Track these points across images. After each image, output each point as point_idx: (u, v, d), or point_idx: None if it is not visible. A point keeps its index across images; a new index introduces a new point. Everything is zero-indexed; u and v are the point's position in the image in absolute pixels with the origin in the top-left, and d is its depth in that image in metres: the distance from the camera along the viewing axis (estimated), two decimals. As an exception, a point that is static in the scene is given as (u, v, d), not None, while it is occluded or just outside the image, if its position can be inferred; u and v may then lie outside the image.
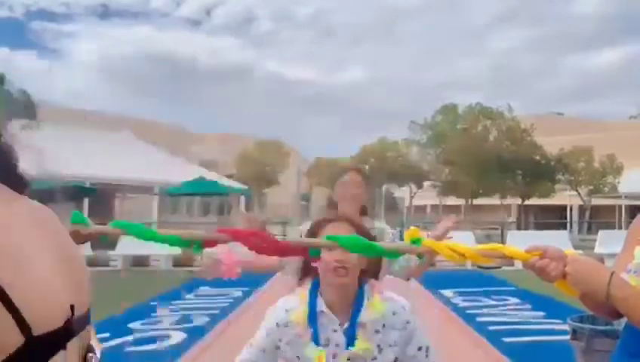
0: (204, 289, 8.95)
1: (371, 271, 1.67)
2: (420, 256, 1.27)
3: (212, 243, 1.34)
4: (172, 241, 1.31)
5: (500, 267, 11.69)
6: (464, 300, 7.94)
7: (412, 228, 1.21)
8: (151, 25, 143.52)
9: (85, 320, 0.70)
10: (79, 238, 1.40)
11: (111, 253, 12.69)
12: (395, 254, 1.21)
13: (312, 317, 1.56)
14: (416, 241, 1.19)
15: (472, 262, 1.20)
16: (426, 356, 1.67)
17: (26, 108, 14.32)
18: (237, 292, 8.45)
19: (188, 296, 8.37)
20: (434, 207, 45.93)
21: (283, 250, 1.25)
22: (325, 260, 1.46)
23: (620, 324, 2.82)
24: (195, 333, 5.66)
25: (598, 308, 1.31)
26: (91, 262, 12.61)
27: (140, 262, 12.93)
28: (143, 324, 6.10)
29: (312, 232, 1.72)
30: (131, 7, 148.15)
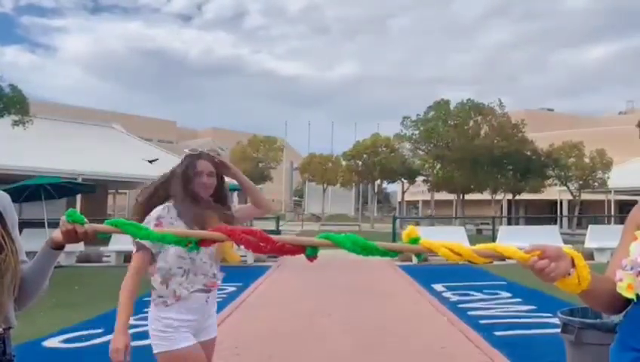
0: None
1: None
2: (418, 255, 1.27)
3: (208, 241, 1.35)
4: (168, 240, 1.32)
5: (491, 261, 11.78)
6: (455, 294, 8.00)
7: (410, 226, 1.21)
8: (141, 20, 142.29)
9: None
10: (75, 238, 1.40)
11: (104, 248, 12.63)
12: (393, 254, 1.22)
13: None
14: (414, 241, 1.19)
15: (469, 261, 1.20)
16: None
17: (17, 104, 14.16)
18: (230, 288, 8.46)
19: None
20: (426, 202, 46.10)
21: (279, 248, 1.26)
22: None
23: (608, 318, 2.86)
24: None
25: (599, 304, 1.32)
26: (85, 259, 12.55)
27: (132, 258, 12.88)
28: (136, 320, 6.10)
29: None
30: (122, 1, 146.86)
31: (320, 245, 1.25)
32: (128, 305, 2.32)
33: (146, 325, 6.14)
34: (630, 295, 1.23)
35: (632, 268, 1.22)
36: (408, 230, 1.20)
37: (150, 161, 21.42)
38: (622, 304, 1.29)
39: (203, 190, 2.27)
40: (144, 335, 5.59)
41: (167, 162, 27.37)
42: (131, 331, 6.25)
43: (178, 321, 2.24)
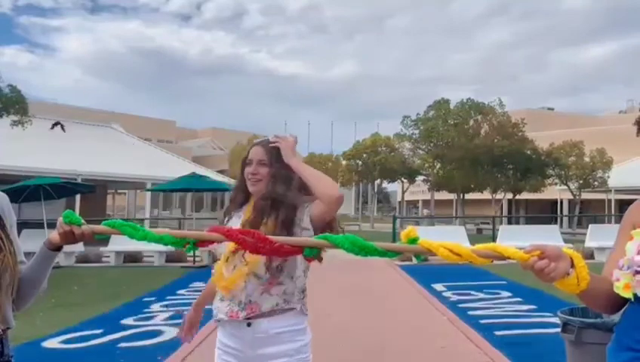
0: (197, 285, 8.95)
1: None
2: (418, 256, 1.26)
3: (206, 242, 1.34)
4: (166, 241, 1.31)
5: (491, 262, 11.78)
6: (455, 294, 7.99)
7: (409, 227, 1.21)
8: (141, 19, 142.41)
9: None
10: (72, 239, 1.40)
11: (103, 249, 12.62)
12: (392, 254, 1.21)
13: None
14: (413, 241, 1.19)
15: (468, 261, 1.20)
16: None
17: (16, 104, 14.16)
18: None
19: (181, 292, 8.36)
20: (426, 201, 46.12)
21: (278, 249, 1.25)
22: None
23: (608, 317, 2.85)
24: (189, 329, 5.65)
25: (598, 304, 1.32)
26: (84, 259, 12.54)
27: (133, 258, 12.88)
28: (135, 320, 6.09)
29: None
30: (121, 1, 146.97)
31: (318, 245, 1.25)
32: (206, 288, 2.12)
33: (145, 326, 6.15)
34: (627, 294, 1.22)
35: (628, 268, 1.22)
36: (407, 230, 1.20)
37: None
38: (620, 304, 1.28)
39: (249, 183, 1.89)
40: (144, 335, 5.60)
41: (168, 162, 27.26)
42: (129, 331, 6.22)
43: (220, 343, 1.91)
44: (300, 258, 1.71)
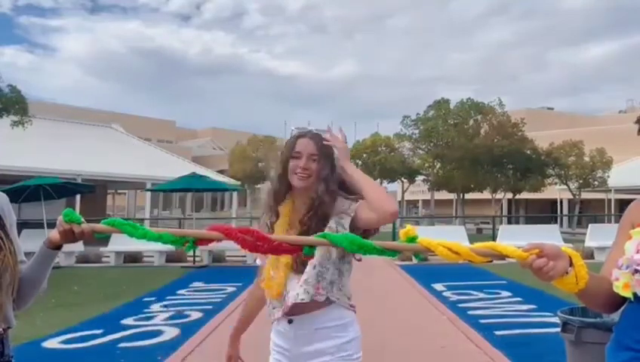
0: (197, 285, 8.96)
1: None
2: (417, 254, 1.27)
3: (205, 241, 1.34)
4: (165, 239, 1.32)
5: (491, 261, 11.76)
6: (455, 294, 7.99)
7: (408, 226, 1.21)
8: (140, 20, 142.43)
9: None
10: (72, 238, 1.40)
11: (103, 249, 12.62)
12: (390, 253, 1.22)
13: None
14: (412, 240, 1.19)
15: (467, 260, 1.20)
16: None
17: (16, 104, 14.16)
18: (230, 288, 8.45)
19: (181, 292, 8.36)
20: (426, 201, 46.14)
21: (276, 248, 1.25)
22: None
23: (608, 316, 2.86)
24: (189, 329, 5.66)
25: (596, 304, 1.32)
26: (84, 259, 12.54)
27: (133, 258, 12.88)
28: (135, 320, 6.10)
29: None
30: (120, 1, 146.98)
31: (317, 244, 1.25)
32: (239, 314, 2.04)
33: (145, 326, 6.16)
34: (627, 294, 1.23)
35: (627, 267, 1.22)
36: (405, 229, 1.20)
37: None
38: (619, 303, 1.29)
39: (295, 177, 1.72)
40: (144, 335, 5.60)
41: (168, 162, 27.27)
42: (129, 331, 6.22)
43: (272, 343, 1.87)
44: (333, 250, 1.63)
